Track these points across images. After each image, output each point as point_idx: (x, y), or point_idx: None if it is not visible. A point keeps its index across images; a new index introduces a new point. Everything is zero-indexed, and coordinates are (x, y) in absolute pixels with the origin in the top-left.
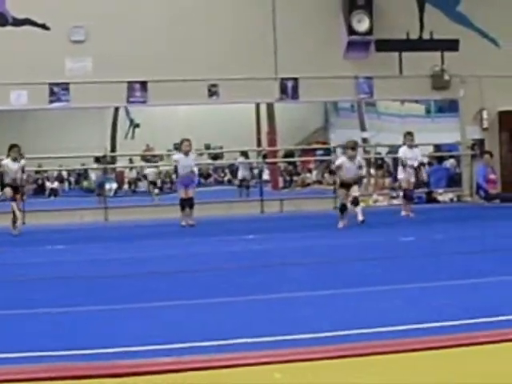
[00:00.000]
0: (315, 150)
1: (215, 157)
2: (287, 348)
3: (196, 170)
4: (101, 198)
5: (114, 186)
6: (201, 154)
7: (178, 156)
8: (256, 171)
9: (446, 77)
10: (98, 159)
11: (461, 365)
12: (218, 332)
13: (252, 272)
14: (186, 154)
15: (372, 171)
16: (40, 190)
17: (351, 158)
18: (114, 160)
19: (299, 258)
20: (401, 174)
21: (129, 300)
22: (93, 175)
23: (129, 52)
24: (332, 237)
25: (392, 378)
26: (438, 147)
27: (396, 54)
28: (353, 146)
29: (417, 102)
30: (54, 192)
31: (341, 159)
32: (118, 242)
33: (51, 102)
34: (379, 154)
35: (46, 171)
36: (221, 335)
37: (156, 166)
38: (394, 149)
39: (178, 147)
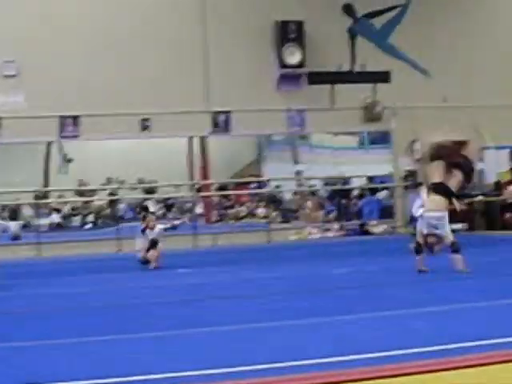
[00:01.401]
0: (248, 183)
1: (149, 191)
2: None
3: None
4: (35, 233)
5: (48, 220)
6: (134, 189)
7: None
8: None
9: (378, 108)
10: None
11: None
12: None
13: (182, 306)
14: (152, 229)
15: (308, 204)
16: None
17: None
18: (46, 195)
19: (231, 292)
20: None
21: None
22: (26, 210)
23: (60, 87)
24: (265, 271)
25: None
26: (371, 179)
27: (328, 86)
28: None
29: (350, 134)
30: None
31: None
32: (52, 277)
33: None
34: (313, 186)
35: None
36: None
37: (90, 201)
38: (328, 181)
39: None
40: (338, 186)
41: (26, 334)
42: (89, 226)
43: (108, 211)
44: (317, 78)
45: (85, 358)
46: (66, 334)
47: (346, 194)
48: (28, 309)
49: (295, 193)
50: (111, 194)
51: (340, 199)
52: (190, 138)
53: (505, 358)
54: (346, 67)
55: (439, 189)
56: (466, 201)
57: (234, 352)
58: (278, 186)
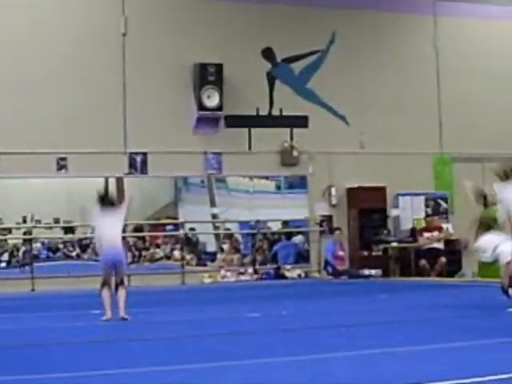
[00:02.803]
0: (164, 225)
1: (67, 230)
2: None
3: None
4: None
5: None
6: (50, 228)
7: None
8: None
9: (295, 153)
10: None
11: None
12: None
13: (96, 347)
14: None
15: (224, 247)
16: None
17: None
18: None
19: (142, 334)
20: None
21: None
22: None
23: None
24: (179, 313)
25: None
26: (286, 223)
27: (246, 129)
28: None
29: (267, 178)
30: None
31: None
32: None
33: None
34: (229, 229)
35: None
36: None
37: (4, 240)
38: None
39: None
40: (254, 230)
41: None
42: (3, 264)
43: (22, 250)
44: (234, 122)
45: None
46: None
47: (261, 237)
48: None
49: (214, 235)
50: (26, 232)
51: (255, 243)
52: (107, 179)
53: None
54: (264, 111)
55: None
56: (381, 247)
57: None
58: (192, 229)
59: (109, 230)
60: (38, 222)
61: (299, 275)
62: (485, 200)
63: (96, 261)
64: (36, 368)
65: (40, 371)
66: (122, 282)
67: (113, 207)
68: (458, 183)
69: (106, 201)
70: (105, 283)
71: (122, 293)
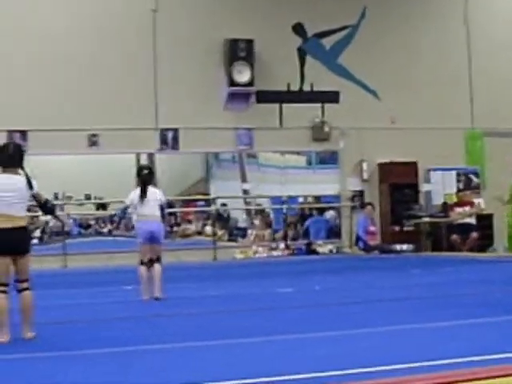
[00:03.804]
0: (196, 200)
1: (99, 207)
2: None
3: None
4: None
5: None
6: (81, 205)
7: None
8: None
9: (326, 128)
10: None
11: None
12: None
13: (130, 323)
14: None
15: (255, 222)
16: None
17: None
18: None
19: (175, 310)
20: None
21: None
22: None
23: (9, 100)
24: (212, 287)
25: None
26: (317, 198)
27: (277, 105)
28: None
29: (298, 153)
30: None
31: None
32: None
33: None
34: (260, 205)
35: None
36: None
37: (36, 216)
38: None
39: None
40: (286, 206)
41: None
42: (35, 241)
43: (55, 227)
44: (265, 97)
45: None
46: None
47: (293, 213)
48: None
49: (246, 211)
50: (59, 208)
51: (287, 218)
52: (138, 155)
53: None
54: (295, 86)
55: None
56: (413, 222)
57: (176, 370)
58: (224, 204)
59: (147, 205)
60: (70, 198)
61: (330, 250)
62: None
63: (129, 237)
64: (72, 344)
65: (78, 347)
66: (158, 259)
67: (151, 183)
68: (490, 158)
69: (146, 176)
70: (143, 260)
71: (157, 270)
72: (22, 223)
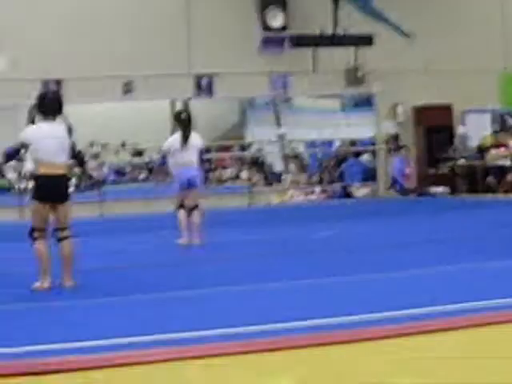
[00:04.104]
0: (231, 146)
1: (135, 154)
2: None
3: None
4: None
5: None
6: (117, 152)
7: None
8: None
9: (360, 72)
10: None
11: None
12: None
13: (169, 268)
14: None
15: (291, 167)
16: None
17: None
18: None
19: (213, 255)
20: None
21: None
22: (9, 174)
23: (43, 50)
24: (249, 233)
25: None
26: (353, 142)
27: (310, 49)
28: None
29: (332, 97)
30: None
31: None
32: None
33: None
34: (296, 149)
35: None
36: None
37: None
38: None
39: None
40: (321, 149)
41: None
42: (71, 189)
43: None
44: (299, 41)
45: None
46: None
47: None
48: None
49: (281, 156)
50: (94, 156)
51: (322, 162)
52: (173, 101)
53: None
54: (328, 30)
55: None
56: (449, 164)
57: (213, 316)
58: (260, 149)
59: (187, 151)
60: (105, 146)
61: (367, 194)
62: None
63: (165, 183)
64: (115, 290)
65: (120, 293)
66: (196, 206)
67: (189, 129)
68: None
69: (184, 122)
70: (181, 205)
71: (196, 217)
72: (63, 171)
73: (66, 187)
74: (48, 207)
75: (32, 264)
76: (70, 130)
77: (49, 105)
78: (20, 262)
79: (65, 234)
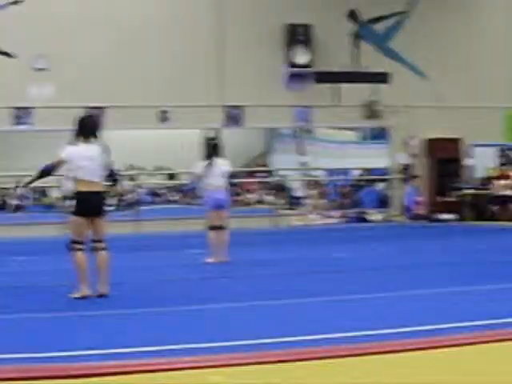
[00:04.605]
0: (256, 172)
1: (169, 177)
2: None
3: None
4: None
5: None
6: (152, 175)
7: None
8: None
9: (378, 107)
10: None
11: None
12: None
13: (200, 283)
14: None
15: (312, 192)
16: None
17: None
18: None
19: (239, 272)
20: None
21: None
22: (53, 193)
23: (88, 80)
24: (272, 253)
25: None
26: (369, 171)
27: (332, 84)
28: None
29: (351, 129)
30: (18, 208)
31: None
32: None
33: (15, 124)
34: (316, 176)
35: (6, 189)
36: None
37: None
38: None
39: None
40: (341, 177)
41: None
42: (111, 208)
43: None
44: (322, 77)
45: None
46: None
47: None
48: None
49: (303, 182)
50: (131, 179)
51: (341, 189)
52: (205, 130)
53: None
54: (349, 68)
55: None
56: (457, 193)
57: (237, 328)
58: (283, 176)
59: (214, 175)
60: (142, 169)
61: (381, 219)
62: None
63: (195, 204)
64: (146, 302)
65: (150, 305)
66: (223, 226)
67: (218, 154)
68: None
69: (213, 147)
70: (212, 226)
71: (225, 236)
72: (100, 188)
73: (103, 203)
74: (87, 221)
75: (67, 275)
76: (106, 152)
77: (87, 128)
78: (58, 274)
79: (101, 245)
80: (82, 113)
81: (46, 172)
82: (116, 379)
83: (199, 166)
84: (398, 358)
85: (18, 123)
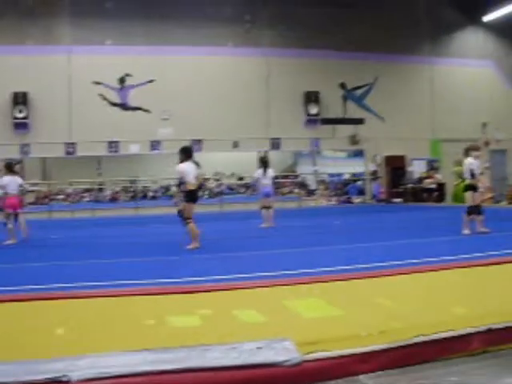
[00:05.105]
0: (289, 176)
1: (239, 179)
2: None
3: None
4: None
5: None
6: (229, 177)
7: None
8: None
9: (357, 138)
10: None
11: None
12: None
13: (255, 239)
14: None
15: (320, 187)
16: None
17: (476, 158)
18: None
19: (279, 232)
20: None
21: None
22: (173, 188)
23: (192, 125)
24: (299, 221)
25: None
26: (353, 174)
27: (332, 126)
28: (476, 147)
29: (342, 150)
30: (153, 197)
31: (468, 161)
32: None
33: (151, 150)
34: (323, 176)
35: (147, 186)
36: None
37: (205, 183)
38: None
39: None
40: (336, 178)
41: None
42: (205, 197)
43: (216, 189)
44: (325, 121)
45: None
46: None
47: (340, 181)
48: None
49: (315, 181)
50: (217, 179)
51: (337, 185)
52: (259, 152)
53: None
54: (341, 115)
55: None
56: (403, 187)
57: (276, 264)
58: (304, 177)
59: (266, 178)
60: (223, 174)
61: (360, 202)
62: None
63: (254, 195)
64: (226, 249)
65: (228, 251)
66: (270, 207)
67: (267, 165)
68: (443, 154)
69: (264, 162)
70: (263, 206)
71: (270, 212)
72: (196, 187)
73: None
74: (194, 205)
75: (181, 237)
76: (197, 165)
77: (188, 152)
78: (176, 235)
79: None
80: (187, 143)
81: (181, 182)
82: (226, 293)
83: (257, 172)
84: (383, 280)
85: (153, 149)
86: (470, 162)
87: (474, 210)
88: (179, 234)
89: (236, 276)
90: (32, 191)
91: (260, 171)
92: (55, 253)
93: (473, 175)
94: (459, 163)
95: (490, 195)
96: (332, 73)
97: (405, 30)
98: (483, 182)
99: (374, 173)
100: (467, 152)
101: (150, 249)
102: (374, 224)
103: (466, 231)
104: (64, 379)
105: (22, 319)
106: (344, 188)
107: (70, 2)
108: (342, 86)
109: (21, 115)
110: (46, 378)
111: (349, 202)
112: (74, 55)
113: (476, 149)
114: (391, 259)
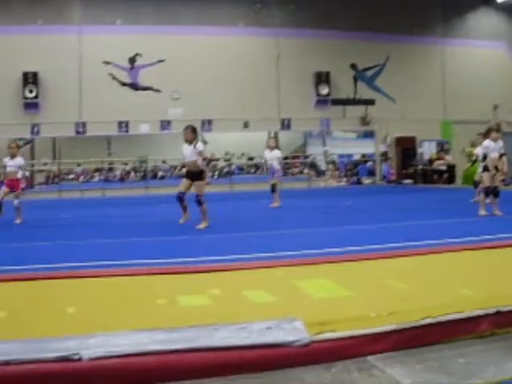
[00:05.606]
0: (299, 156)
1: (249, 159)
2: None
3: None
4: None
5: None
6: (239, 158)
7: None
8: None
9: (368, 118)
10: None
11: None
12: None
13: (264, 218)
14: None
15: (330, 167)
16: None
17: (496, 139)
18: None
19: (287, 212)
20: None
21: None
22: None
23: (203, 104)
24: (308, 201)
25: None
26: (363, 155)
27: (342, 106)
28: (498, 129)
29: (353, 131)
30: (162, 177)
31: (485, 144)
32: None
33: (161, 130)
34: (333, 157)
35: (157, 166)
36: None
37: (216, 163)
38: (338, 157)
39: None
40: (346, 159)
41: None
42: (215, 177)
43: (226, 169)
44: (336, 102)
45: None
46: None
47: (350, 162)
48: None
49: (325, 161)
50: (228, 160)
51: (347, 165)
52: (269, 132)
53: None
54: (351, 96)
55: None
56: (413, 168)
57: (283, 244)
58: (314, 158)
59: (271, 159)
60: (233, 154)
61: (370, 183)
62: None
63: (263, 174)
64: (234, 229)
65: (237, 231)
66: (275, 185)
67: (276, 147)
68: (454, 135)
69: (273, 143)
70: (273, 185)
71: (277, 192)
72: (195, 168)
73: (198, 174)
74: (190, 181)
75: (192, 215)
76: (205, 143)
77: (195, 132)
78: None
79: (199, 198)
80: (199, 124)
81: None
82: (235, 273)
83: (266, 153)
84: (393, 261)
85: (163, 129)
86: (486, 145)
87: (492, 191)
88: (190, 214)
89: (245, 256)
90: (42, 171)
91: (267, 152)
92: (65, 232)
93: (485, 157)
94: (473, 144)
95: (501, 177)
96: (343, 53)
97: (417, 11)
98: (502, 165)
99: (385, 154)
100: (488, 132)
101: (159, 228)
102: (384, 205)
103: (483, 212)
104: (75, 357)
105: (33, 298)
106: (354, 169)
107: None
108: (353, 66)
109: (31, 95)
110: (57, 357)
111: (359, 182)
112: (85, 35)
113: (497, 130)
114: (404, 240)
